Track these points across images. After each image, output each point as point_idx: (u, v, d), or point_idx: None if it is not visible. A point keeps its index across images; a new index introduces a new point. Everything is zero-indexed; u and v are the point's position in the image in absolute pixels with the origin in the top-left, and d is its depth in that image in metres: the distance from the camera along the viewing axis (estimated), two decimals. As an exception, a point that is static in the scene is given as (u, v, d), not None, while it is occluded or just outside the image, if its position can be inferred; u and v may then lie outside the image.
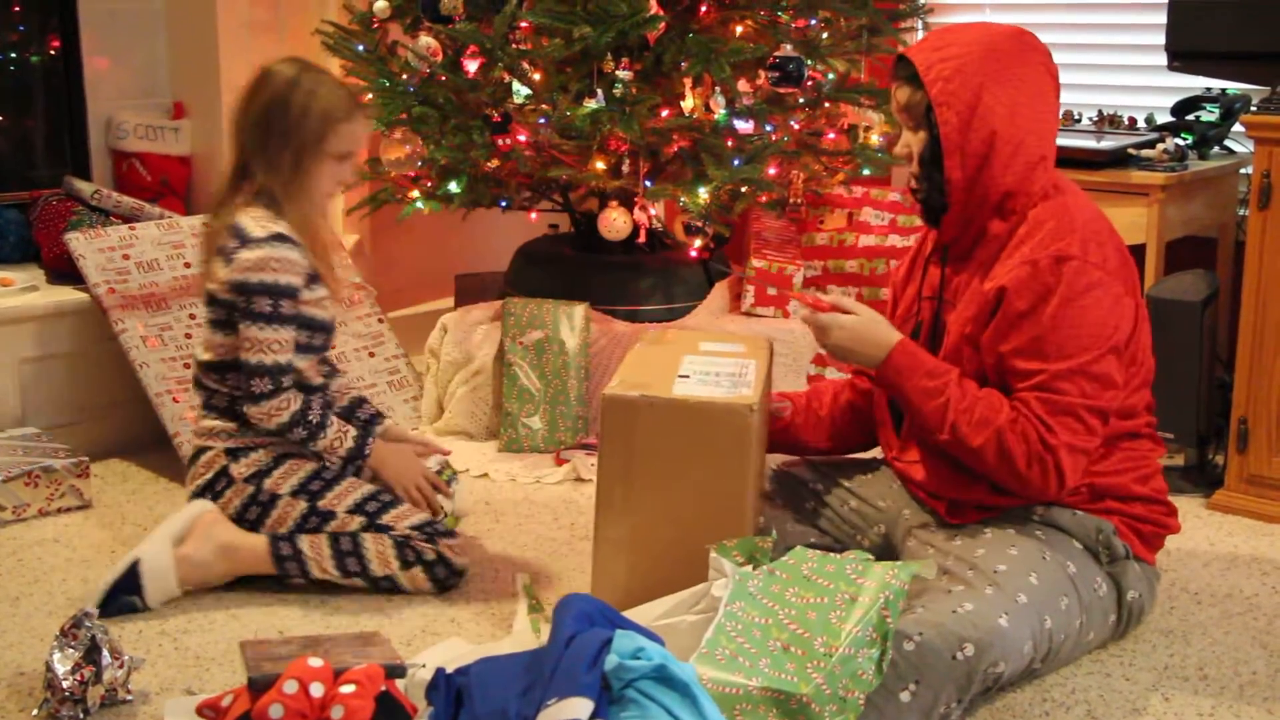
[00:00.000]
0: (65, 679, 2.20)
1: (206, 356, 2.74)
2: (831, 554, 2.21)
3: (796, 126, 3.71)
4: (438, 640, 2.53)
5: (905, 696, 2.11)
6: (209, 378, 2.75)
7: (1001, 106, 2.41)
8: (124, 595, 2.58)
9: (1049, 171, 2.48)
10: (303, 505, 2.70)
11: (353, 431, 2.75)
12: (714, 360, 2.53)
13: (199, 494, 2.75)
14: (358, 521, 2.68)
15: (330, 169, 2.74)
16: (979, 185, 2.44)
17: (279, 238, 2.64)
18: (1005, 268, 2.42)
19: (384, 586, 2.68)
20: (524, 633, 2.49)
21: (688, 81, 3.43)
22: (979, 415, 2.37)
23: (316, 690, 2.07)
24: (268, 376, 2.64)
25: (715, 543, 2.26)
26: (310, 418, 2.69)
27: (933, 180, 2.49)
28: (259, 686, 2.13)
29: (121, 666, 2.26)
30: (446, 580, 2.70)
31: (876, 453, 2.80)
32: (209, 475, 2.73)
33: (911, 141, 2.51)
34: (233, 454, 2.72)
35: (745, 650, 2.04)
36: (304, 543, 2.66)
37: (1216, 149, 3.78)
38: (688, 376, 2.43)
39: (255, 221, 2.66)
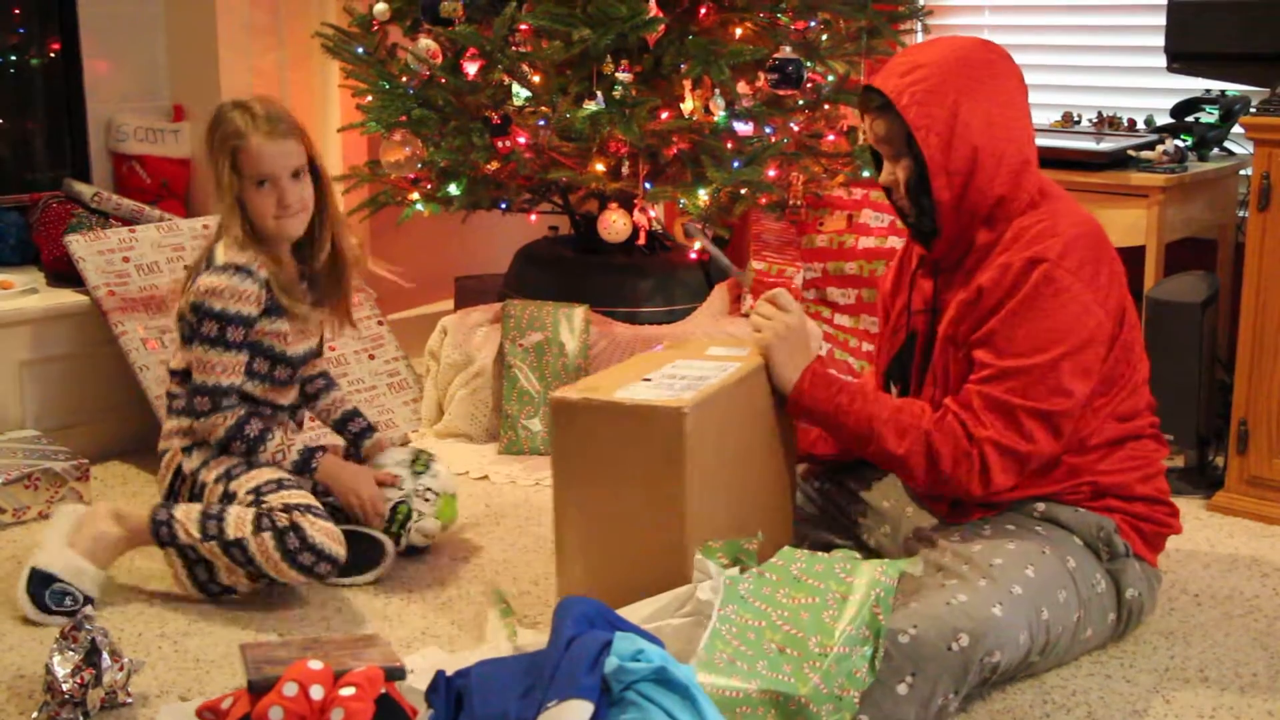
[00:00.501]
0: (65, 681, 2.20)
1: (175, 364, 2.82)
2: (819, 553, 2.22)
3: (796, 128, 3.71)
4: (436, 643, 2.53)
5: (902, 689, 2.12)
6: (174, 383, 2.83)
7: (978, 120, 2.40)
8: (45, 592, 2.58)
9: (1034, 176, 2.48)
10: (220, 490, 2.73)
11: (298, 446, 2.79)
12: (697, 365, 2.50)
13: (166, 497, 2.82)
14: (248, 501, 2.69)
15: (254, 196, 2.73)
16: (967, 201, 2.44)
17: (236, 268, 2.70)
18: (986, 271, 2.43)
19: (238, 559, 2.61)
20: (498, 639, 2.47)
21: (687, 83, 3.43)
22: (902, 423, 2.41)
23: (316, 693, 2.06)
24: (207, 396, 2.72)
25: (655, 547, 2.28)
26: (247, 432, 2.73)
27: (922, 205, 2.48)
28: (259, 689, 2.13)
29: (121, 669, 2.26)
30: (299, 554, 2.59)
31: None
32: (170, 475, 2.81)
33: (895, 170, 2.50)
34: (187, 451, 2.79)
35: (742, 654, 2.04)
36: (179, 509, 2.68)
37: (1216, 150, 3.78)
38: (650, 379, 2.41)
39: (224, 250, 2.73)
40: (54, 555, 2.63)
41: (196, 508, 2.67)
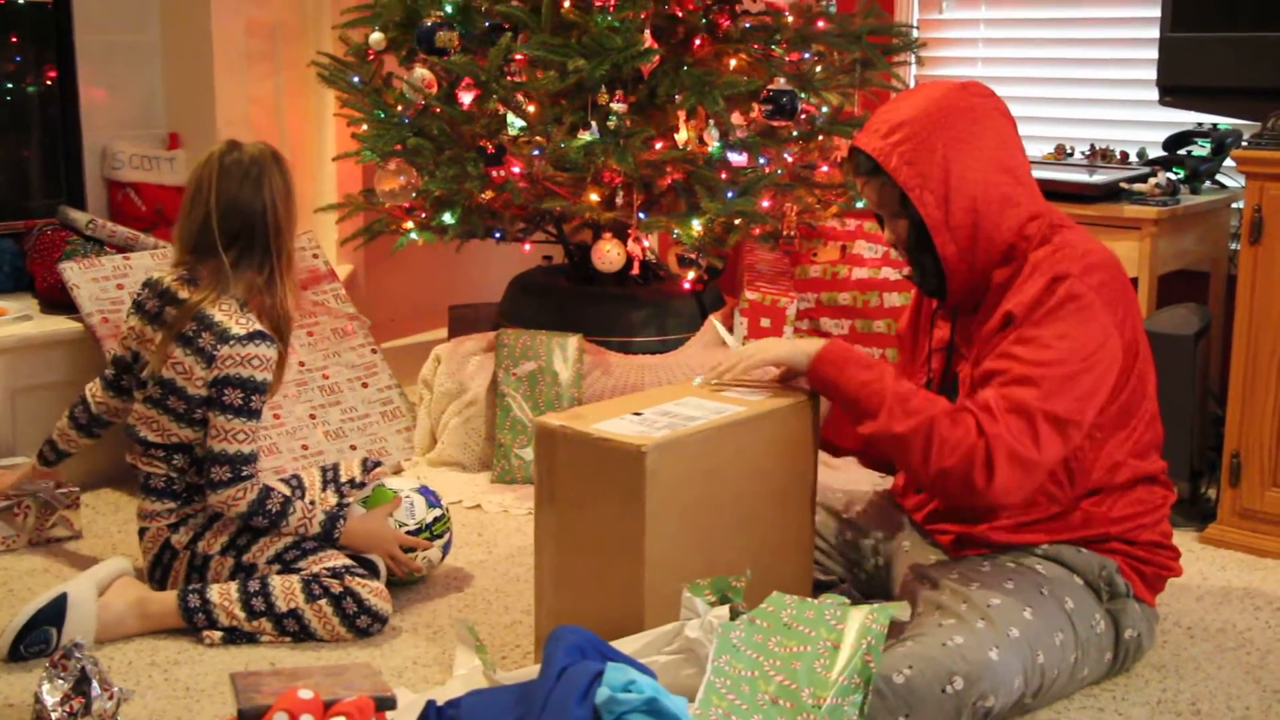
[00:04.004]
0: (54, 710, 2.19)
1: (153, 438, 2.74)
2: (808, 599, 2.20)
3: (790, 159, 3.73)
4: (428, 672, 2.52)
5: None
6: (150, 460, 2.75)
7: (972, 171, 2.37)
8: (45, 625, 2.54)
9: (1043, 217, 2.44)
10: (230, 562, 2.71)
11: (319, 516, 2.73)
12: (698, 404, 2.47)
13: (151, 568, 2.77)
14: (275, 570, 2.69)
15: (294, 248, 2.80)
16: (978, 249, 2.41)
17: (261, 335, 2.67)
18: (1011, 299, 2.39)
19: (291, 629, 2.62)
20: (473, 675, 2.43)
21: (681, 114, 3.44)
22: (913, 405, 2.33)
23: (306, 722, 2.06)
24: (228, 465, 2.66)
25: (614, 584, 2.28)
26: (269, 507, 2.69)
27: (925, 265, 2.47)
28: (249, 718, 2.12)
29: (111, 698, 2.25)
30: (357, 619, 2.63)
31: (875, 483, 2.79)
32: (156, 549, 2.76)
33: (896, 228, 2.48)
34: (173, 527, 2.75)
35: (737, 708, 2.03)
36: (213, 591, 2.65)
37: (1208, 183, 3.79)
38: (640, 414, 2.39)
39: (229, 317, 2.68)
40: (81, 600, 2.58)
41: (233, 587, 2.64)
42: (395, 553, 2.80)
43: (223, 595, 2.64)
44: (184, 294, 2.72)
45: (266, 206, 2.71)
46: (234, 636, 2.63)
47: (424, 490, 2.93)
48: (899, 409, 2.34)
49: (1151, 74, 3.62)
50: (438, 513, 2.90)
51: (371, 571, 2.74)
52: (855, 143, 2.46)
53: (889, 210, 2.46)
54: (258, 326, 2.68)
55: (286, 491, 2.78)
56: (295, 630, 2.62)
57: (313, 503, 2.84)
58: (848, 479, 3.39)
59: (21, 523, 3.11)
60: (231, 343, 2.64)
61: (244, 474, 2.67)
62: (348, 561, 2.70)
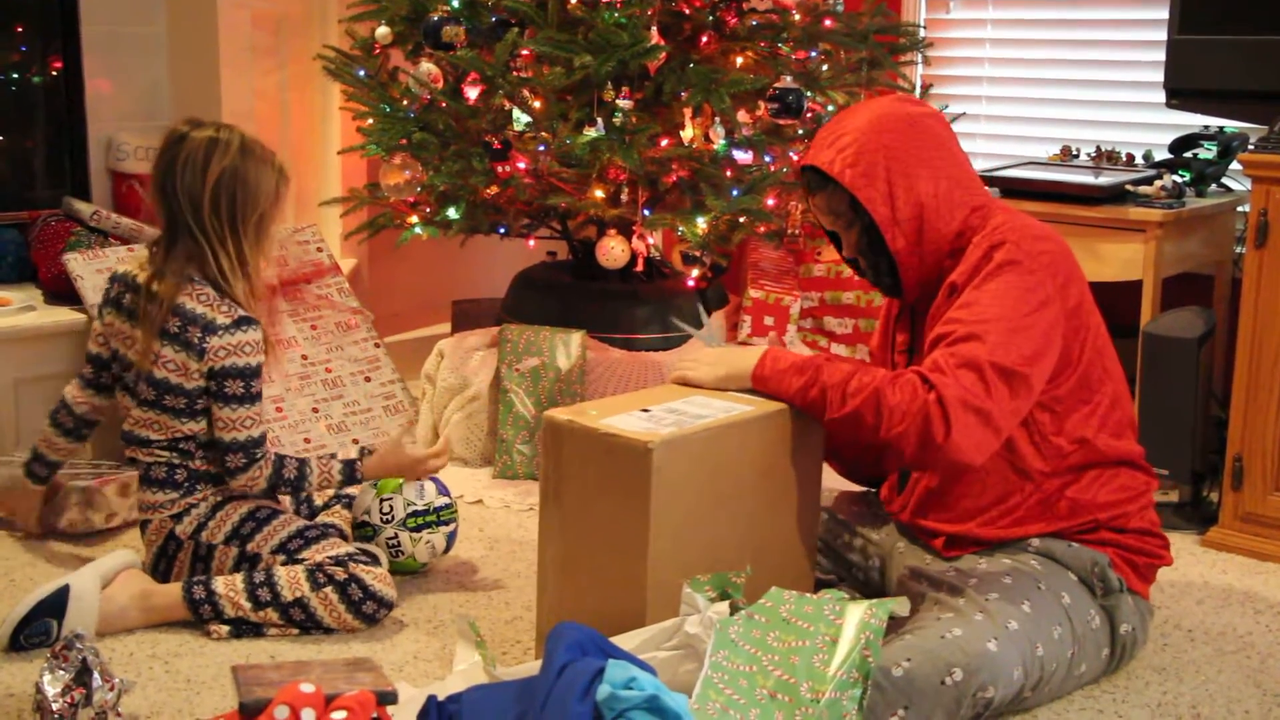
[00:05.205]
0: (55, 701, 2.19)
1: (156, 436, 2.73)
2: (807, 594, 2.20)
3: (795, 158, 3.72)
4: (429, 666, 2.52)
5: None
6: (151, 453, 2.74)
7: (913, 168, 2.45)
8: (45, 616, 2.54)
9: (985, 207, 2.51)
10: (234, 552, 2.72)
11: (337, 465, 2.79)
12: (706, 402, 2.47)
13: (156, 560, 2.77)
14: (279, 560, 2.70)
15: (273, 230, 2.83)
16: (927, 242, 2.47)
17: (247, 321, 2.69)
18: (954, 274, 2.46)
19: (297, 619, 2.62)
20: (473, 671, 2.43)
21: (687, 111, 3.44)
22: (852, 387, 2.37)
23: (308, 716, 2.06)
24: (242, 452, 2.69)
25: (617, 579, 2.28)
26: (287, 474, 2.73)
27: (878, 266, 2.53)
28: (250, 711, 2.12)
29: (112, 689, 2.25)
30: (363, 604, 2.64)
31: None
32: (160, 541, 2.75)
33: (851, 237, 2.54)
34: (176, 518, 2.74)
35: (735, 702, 2.03)
36: (218, 583, 2.64)
37: (1214, 186, 3.79)
38: (648, 411, 2.40)
39: (210, 307, 2.68)
40: (84, 590, 2.58)
41: (238, 578, 2.64)
42: (417, 466, 2.88)
43: (228, 586, 2.64)
44: (155, 287, 2.70)
45: (204, 191, 2.68)
46: (240, 629, 2.63)
47: (436, 479, 2.98)
48: (838, 398, 2.38)
49: (1158, 76, 3.62)
50: (446, 500, 2.95)
51: (373, 560, 2.74)
52: (802, 162, 2.54)
53: (843, 220, 2.53)
54: (240, 312, 2.69)
55: (296, 455, 2.81)
56: (302, 619, 2.62)
57: (332, 455, 2.85)
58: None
59: (101, 504, 3.14)
60: (220, 333, 2.66)
61: (257, 456, 2.70)
62: (350, 549, 2.71)
